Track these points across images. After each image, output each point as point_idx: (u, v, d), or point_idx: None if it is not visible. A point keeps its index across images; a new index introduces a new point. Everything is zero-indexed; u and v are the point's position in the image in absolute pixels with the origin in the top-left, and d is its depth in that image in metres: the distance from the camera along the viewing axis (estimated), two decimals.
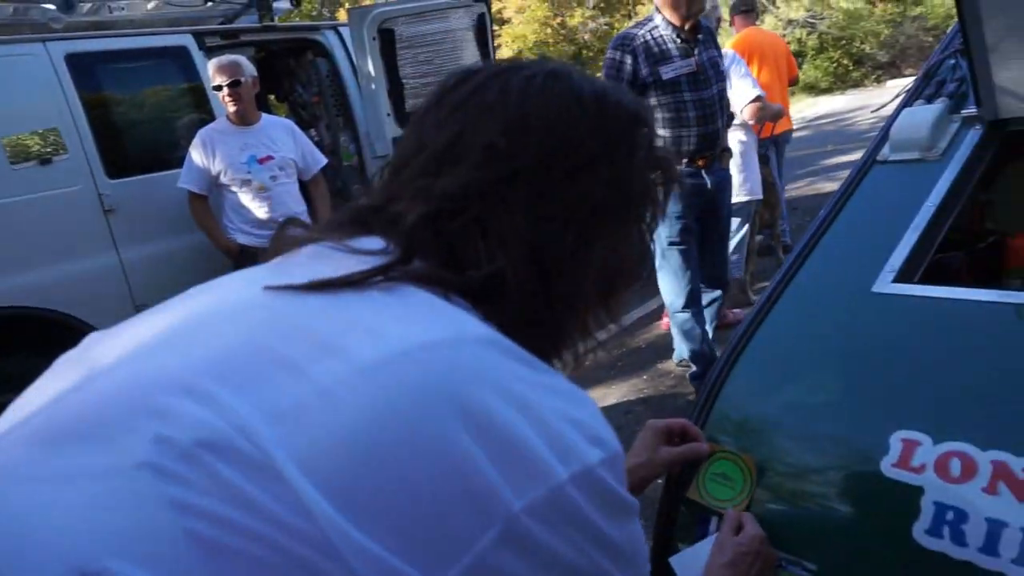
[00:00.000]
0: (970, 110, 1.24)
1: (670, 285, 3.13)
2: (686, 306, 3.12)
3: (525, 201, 0.55)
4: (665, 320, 3.85)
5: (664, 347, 3.89)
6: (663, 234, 3.02)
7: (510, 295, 0.54)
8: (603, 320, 0.65)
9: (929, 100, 1.31)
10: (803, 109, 12.06)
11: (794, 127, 5.25)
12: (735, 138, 3.49)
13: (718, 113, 2.92)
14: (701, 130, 2.88)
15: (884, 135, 1.30)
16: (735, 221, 3.63)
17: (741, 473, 0.97)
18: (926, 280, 1.04)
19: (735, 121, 3.42)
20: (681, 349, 3.29)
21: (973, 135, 1.20)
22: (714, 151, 2.97)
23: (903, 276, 1.03)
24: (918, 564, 0.77)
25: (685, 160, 2.91)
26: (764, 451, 0.96)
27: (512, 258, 0.54)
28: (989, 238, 1.27)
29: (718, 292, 3.32)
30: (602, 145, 0.58)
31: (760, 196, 3.66)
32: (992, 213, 1.30)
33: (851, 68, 14.33)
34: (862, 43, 14.24)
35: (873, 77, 14.17)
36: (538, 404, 0.46)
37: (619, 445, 0.49)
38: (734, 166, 3.46)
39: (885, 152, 1.27)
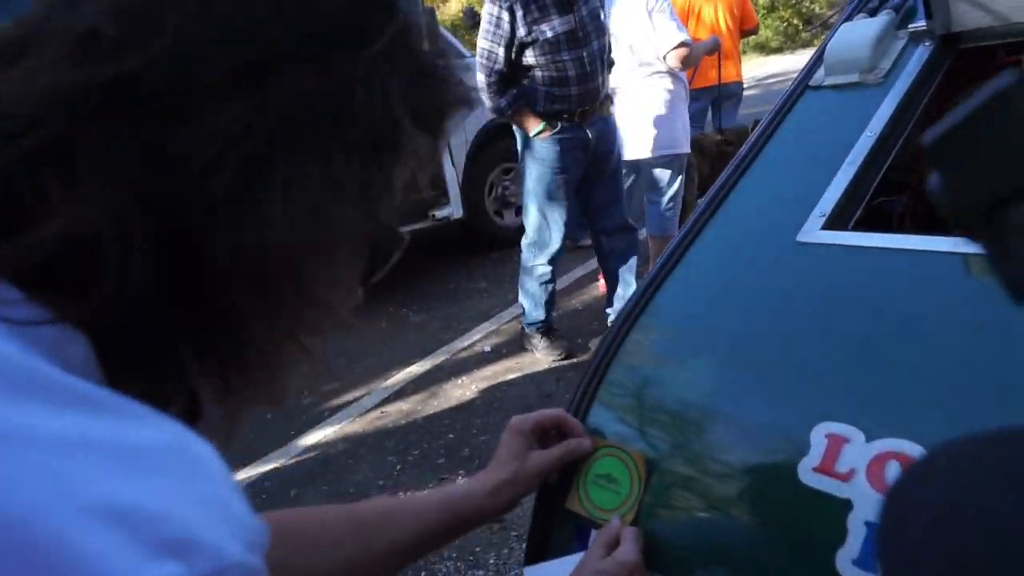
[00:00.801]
0: (919, 24, 1.03)
1: (535, 240, 3.12)
2: (549, 263, 3.13)
3: (140, 122, 0.31)
4: (601, 281, 3.68)
5: (600, 310, 3.71)
6: (538, 189, 3.00)
7: (106, 274, 0.30)
8: (312, 326, 0.42)
9: (872, 13, 1.09)
10: (753, 69, 11.92)
11: (745, 84, 5.05)
12: (661, 86, 3.27)
13: (599, 69, 2.88)
14: (581, 88, 2.84)
15: (819, 56, 1.09)
16: (665, 174, 3.43)
17: (628, 474, 0.76)
18: (862, 227, 0.83)
19: (661, 69, 3.21)
20: (530, 308, 3.23)
21: (922, 53, 0.99)
22: (595, 104, 2.92)
23: (834, 222, 0.82)
24: None
25: (565, 116, 2.86)
26: (657, 447, 0.75)
27: (109, 209, 0.30)
28: None
29: (629, 243, 3.24)
30: (301, 36, 0.35)
31: (687, 150, 3.45)
32: None
33: (801, 28, 14.24)
34: (812, 2, 14.15)
35: (823, 37, 14.09)
36: (45, 485, 0.23)
37: (248, 540, 0.26)
38: (654, 117, 3.27)
39: (819, 76, 1.06)
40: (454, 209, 4.54)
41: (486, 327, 3.78)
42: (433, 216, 4.43)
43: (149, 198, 0.31)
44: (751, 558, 0.63)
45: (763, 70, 12.24)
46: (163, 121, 0.31)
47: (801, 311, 0.75)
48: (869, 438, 0.60)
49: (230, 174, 0.32)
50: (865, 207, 0.85)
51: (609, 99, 3.03)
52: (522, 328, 3.37)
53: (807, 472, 0.62)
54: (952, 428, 0.58)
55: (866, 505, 0.58)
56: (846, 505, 0.59)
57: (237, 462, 2.85)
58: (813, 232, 0.81)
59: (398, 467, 2.61)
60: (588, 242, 5.19)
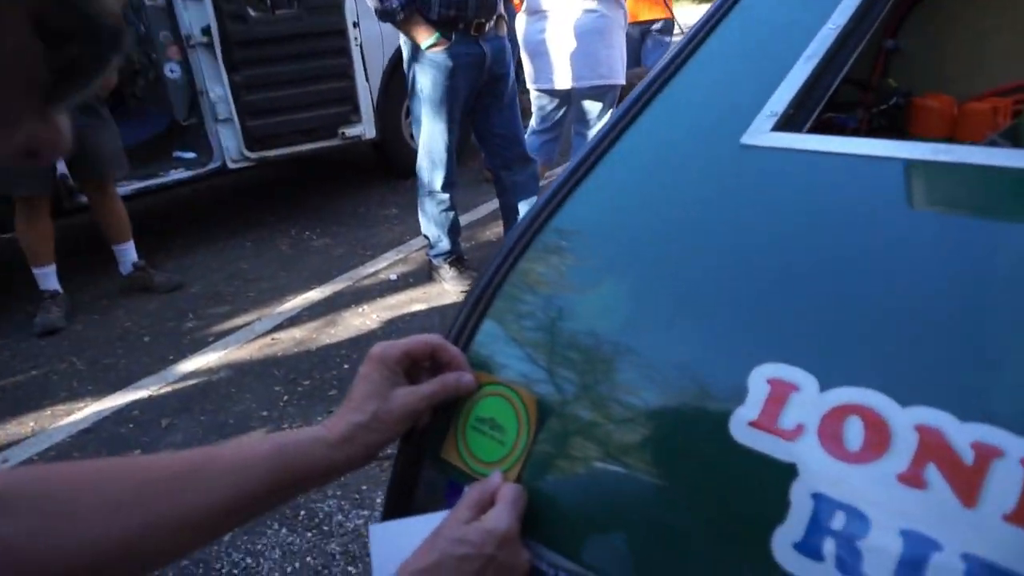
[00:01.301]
0: None
1: (428, 162, 2.94)
2: (444, 188, 2.97)
3: None
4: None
5: None
6: (428, 109, 2.80)
7: None
8: None
9: None
10: (684, 16, 11.75)
11: (676, 30, 4.86)
12: (599, 11, 3.06)
13: None
14: None
15: None
16: (596, 106, 3.26)
17: (516, 419, 0.60)
18: (817, 133, 0.68)
19: None
20: (435, 237, 3.10)
21: None
22: (491, 17, 2.74)
23: (787, 123, 0.67)
24: None
25: (461, 26, 2.66)
26: (554, 387, 0.59)
27: None
28: (892, 98, 0.94)
29: (530, 175, 3.12)
30: None
31: (623, 81, 3.28)
32: (897, 66, 0.97)
33: None
34: None
35: None
36: None
37: None
38: (589, 43, 3.08)
39: None
40: (366, 128, 4.22)
41: (393, 255, 3.56)
42: (343, 134, 4.10)
43: None
44: (660, 533, 0.49)
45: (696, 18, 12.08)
46: None
47: (742, 227, 0.60)
48: (824, 386, 0.46)
49: None
50: (817, 118, 0.70)
51: (503, 18, 2.83)
52: (429, 259, 3.18)
53: (741, 426, 0.47)
54: (927, 375, 0.45)
55: (816, 472, 0.44)
56: (790, 471, 0.45)
57: (106, 387, 2.57)
58: (761, 134, 0.66)
59: (285, 398, 2.41)
60: None
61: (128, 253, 3.30)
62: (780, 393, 0.47)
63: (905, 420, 0.43)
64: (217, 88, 3.66)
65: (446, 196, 2.99)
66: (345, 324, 2.90)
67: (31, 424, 2.41)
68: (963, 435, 0.41)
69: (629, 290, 0.61)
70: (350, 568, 1.69)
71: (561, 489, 0.56)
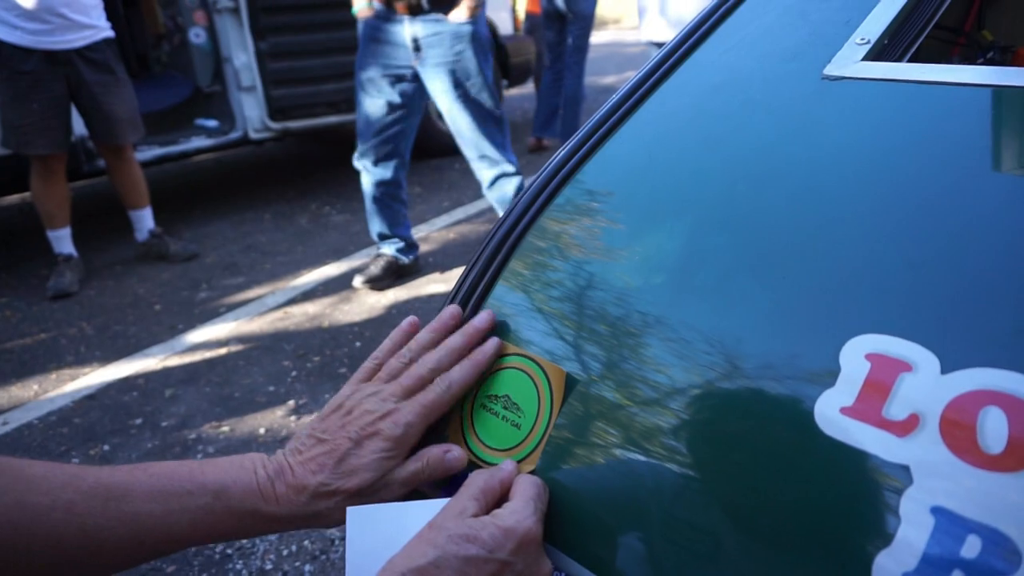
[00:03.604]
0: None
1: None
2: (360, 157, 2.73)
3: None
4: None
5: None
6: (356, 77, 2.63)
7: None
8: None
9: None
10: None
11: None
12: None
13: None
14: None
15: None
16: None
17: (537, 397, 0.50)
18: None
19: None
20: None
21: None
22: None
23: (882, 53, 0.55)
24: None
25: None
26: (579, 365, 0.48)
27: None
28: (989, 51, 0.81)
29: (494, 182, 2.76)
30: None
31: None
32: (993, 16, 0.84)
33: None
34: None
35: None
36: None
37: None
38: None
39: None
40: None
41: (414, 234, 3.45)
42: None
43: None
44: (712, 551, 0.38)
45: None
46: None
47: (826, 170, 0.48)
48: (948, 366, 0.35)
49: None
50: (924, 37, 0.58)
51: (468, 5, 2.48)
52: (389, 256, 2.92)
53: (831, 414, 0.36)
54: None
55: (938, 479, 0.32)
56: (900, 476, 0.33)
57: (113, 353, 2.51)
58: (851, 63, 0.54)
59: (293, 373, 2.32)
60: (552, 142, 4.89)
61: (145, 220, 3.23)
62: (886, 373, 0.36)
63: None
64: (242, 55, 3.58)
65: (361, 167, 2.73)
66: (360, 301, 2.81)
67: (35, 387, 2.36)
68: None
69: (680, 246, 0.49)
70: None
71: (587, 486, 0.45)
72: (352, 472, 0.48)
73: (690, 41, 0.63)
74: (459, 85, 2.56)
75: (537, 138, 4.86)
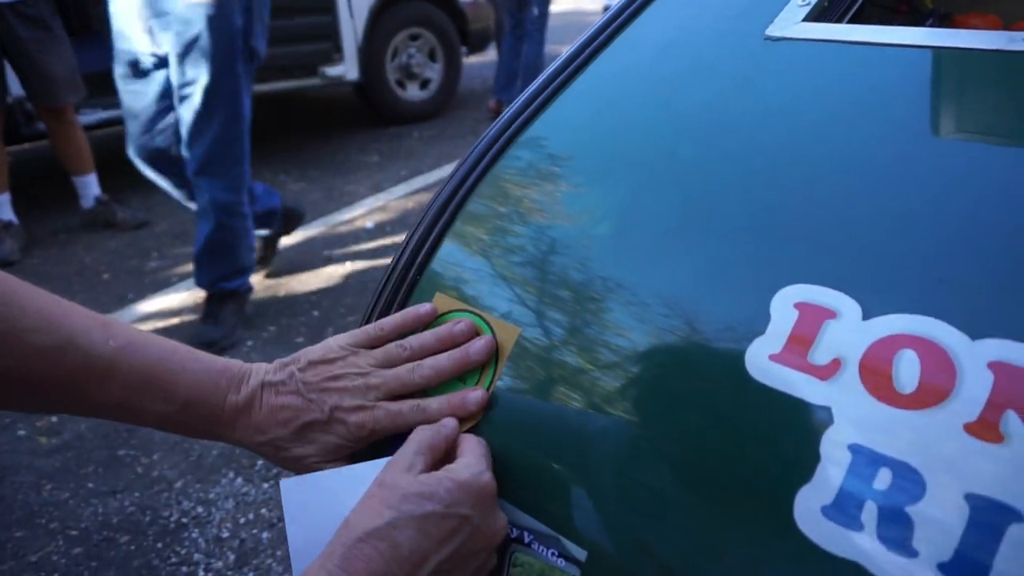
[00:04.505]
0: None
1: None
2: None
3: None
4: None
5: None
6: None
7: None
8: None
9: None
10: None
11: None
12: None
13: None
14: None
15: None
16: None
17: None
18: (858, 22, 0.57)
19: None
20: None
21: None
22: None
23: (822, 14, 0.56)
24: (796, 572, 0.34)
25: None
26: (527, 322, 0.48)
27: None
28: (928, 19, 0.83)
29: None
30: None
31: None
32: None
33: None
34: None
35: None
36: None
37: None
38: None
39: None
40: (348, 69, 4.03)
41: (371, 202, 3.41)
42: (323, 73, 3.91)
43: None
44: (656, 493, 0.39)
45: None
46: None
47: (764, 129, 0.49)
48: (869, 312, 0.36)
49: None
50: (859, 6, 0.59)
51: None
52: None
53: (760, 361, 0.37)
54: (1005, 297, 0.35)
55: (856, 418, 0.34)
56: (821, 416, 0.35)
57: None
58: (791, 24, 0.55)
59: (249, 343, 2.29)
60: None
61: (90, 186, 3.12)
62: (812, 321, 0.37)
63: (976, 356, 0.33)
64: None
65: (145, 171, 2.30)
66: (316, 271, 2.77)
67: None
68: None
69: (622, 202, 0.50)
70: None
71: (536, 442, 0.46)
72: (308, 442, 0.49)
73: (631, 3, 0.63)
74: (190, 84, 2.07)
75: (498, 100, 4.82)
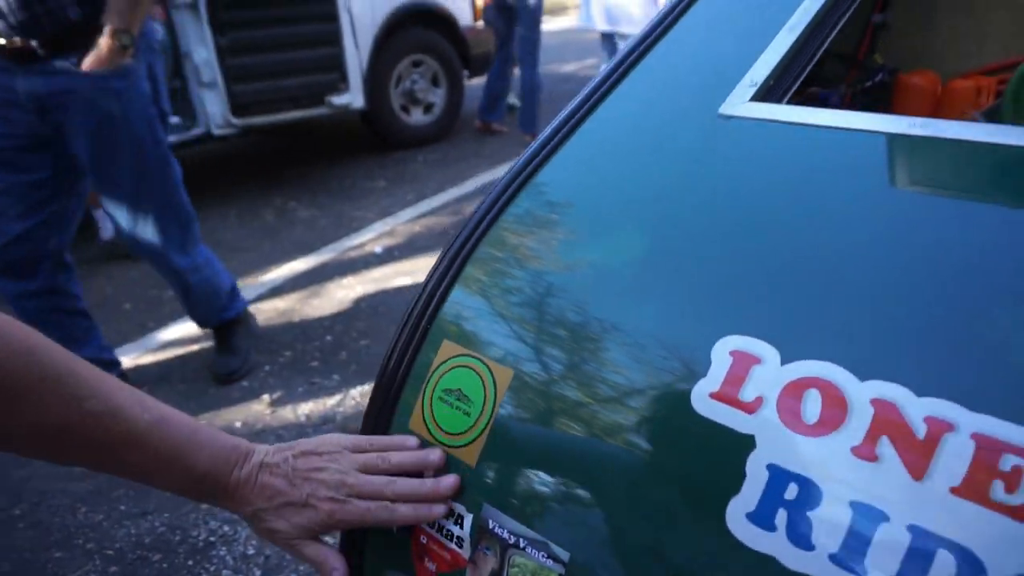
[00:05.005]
0: None
1: None
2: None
3: None
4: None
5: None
6: None
7: None
8: None
9: None
10: None
11: None
12: None
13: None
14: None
15: None
16: None
17: (483, 391, 0.60)
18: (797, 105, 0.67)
19: None
20: None
21: None
22: (49, 41, 1.66)
23: (767, 94, 0.66)
24: (730, 570, 0.43)
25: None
26: (522, 359, 0.58)
27: None
28: (877, 75, 0.93)
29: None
30: None
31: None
32: (884, 41, 0.96)
33: None
34: None
35: None
36: None
37: None
38: None
39: None
40: (354, 97, 4.16)
41: (379, 227, 3.53)
42: (330, 102, 4.05)
43: None
44: (619, 502, 0.49)
45: None
46: None
47: (717, 199, 0.59)
48: (786, 359, 0.46)
49: None
50: (799, 90, 0.69)
51: (113, 47, 1.69)
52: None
53: (703, 398, 0.47)
54: (888, 349, 0.44)
55: (773, 444, 0.44)
56: (747, 442, 0.44)
57: None
58: (740, 104, 0.65)
59: (267, 368, 2.40)
60: (501, 127, 4.98)
61: (109, 219, 3.25)
62: (742, 365, 0.47)
63: (862, 394, 0.43)
64: (201, 50, 3.59)
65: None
66: (329, 296, 2.88)
67: None
68: (918, 409, 0.41)
69: (599, 261, 0.60)
70: (327, 538, 1.69)
71: (523, 459, 0.55)
72: (282, 518, 0.58)
73: (611, 80, 0.74)
74: (107, 165, 1.87)
75: (484, 122, 4.97)
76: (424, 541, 0.60)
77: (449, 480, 0.58)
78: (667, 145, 0.66)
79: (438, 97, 4.88)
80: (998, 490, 0.37)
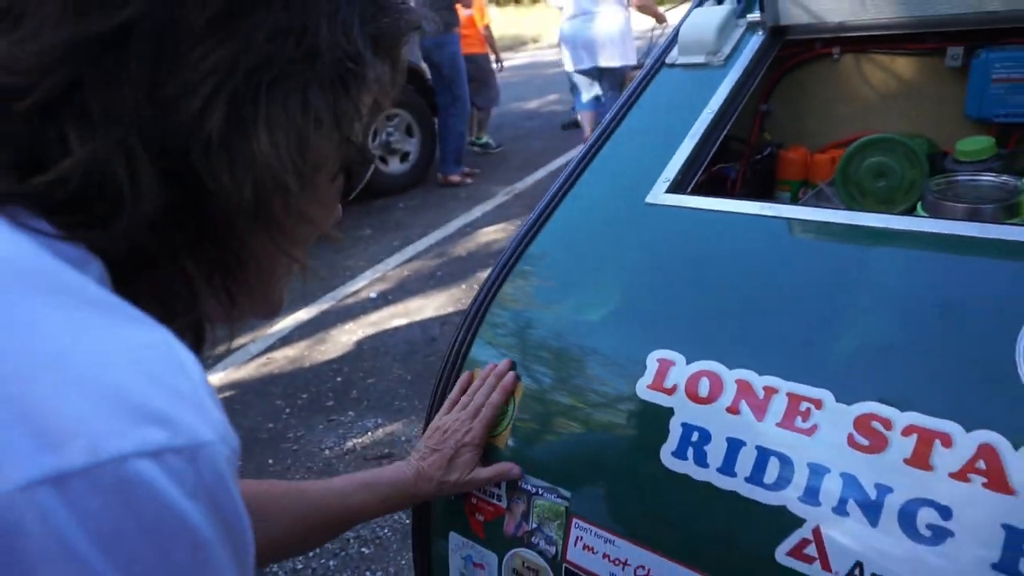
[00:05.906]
0: (755, 15, 1.20)
1: None
2: None
3: (137, 68, 0.36)
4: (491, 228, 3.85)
5: (486, 256, 3.85)
6: None
7: (121, 205, 0.36)
8: (301, 239, 0.47)
9: (719, 1, 1.25)
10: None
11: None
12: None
13: None
14: None
15: (675, 36, 1.24)
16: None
17: (512, 401, 0.91)
18: (700, 191, 1.00)
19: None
20: None
21: (755, 41, 1.17)
22: None
23: (677, 187, 0.98)
24: (663, 487, 0.74)
25: None
26: (527, 375, 0.89)
27: (119, 149, 0.36)
28: (766, 149, 1.27)
29: None
30: None
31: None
32: (770, 124, 1.30)
33: None
34: None
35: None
36: (39, 357, 0.30)
37: (222, 434, 0.33)
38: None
39: (674, 55, 1.21)
40: None
41: (371, 274, 3.83)
42: None
43: (152, 137, 0.36)
44: (595, 456, 0.80)
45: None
46: (157, 67, 0.36)
47: (647, 261, 0.92)
48: (689, 361, 0.78)
49: (221, 112, 0.37)
50: (703, 174, 1.02)
51: None
52: None
53: (643, 388, 0.78)
54: (747, 351, 0.76)
55: (683, 411, 0.75)
56: (669, 412, 0.76)
57: None
58: (659, 194, 0.97)
59: (287, 411, 2.67)
60: (464, 177, 5.29)
61: None
62: (664, 366, 0.78)
63: (730, 377, 0.74)
64: None
65: None
66: (334, 341, 3.17)
67: None
68: (760, 381, 0.72)
69: (575, 307, 0.92)
70: (363, 549, 1.96)
71: (535, 440, 0.86)
72: (453, 469, 0.85)
73: (574, 175, 1.06)
74: None
75: (444, 175, 5.28)
76: (475, 501, 0.90)
77: (500, 369, 0.90)
78: (611, 224, 0.99)
79: (412, 146, 5.23)
80: (790, 419, 0.68)
